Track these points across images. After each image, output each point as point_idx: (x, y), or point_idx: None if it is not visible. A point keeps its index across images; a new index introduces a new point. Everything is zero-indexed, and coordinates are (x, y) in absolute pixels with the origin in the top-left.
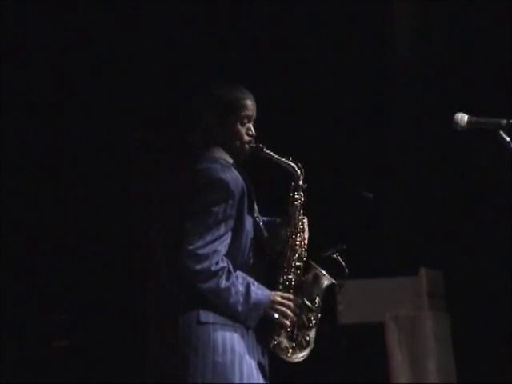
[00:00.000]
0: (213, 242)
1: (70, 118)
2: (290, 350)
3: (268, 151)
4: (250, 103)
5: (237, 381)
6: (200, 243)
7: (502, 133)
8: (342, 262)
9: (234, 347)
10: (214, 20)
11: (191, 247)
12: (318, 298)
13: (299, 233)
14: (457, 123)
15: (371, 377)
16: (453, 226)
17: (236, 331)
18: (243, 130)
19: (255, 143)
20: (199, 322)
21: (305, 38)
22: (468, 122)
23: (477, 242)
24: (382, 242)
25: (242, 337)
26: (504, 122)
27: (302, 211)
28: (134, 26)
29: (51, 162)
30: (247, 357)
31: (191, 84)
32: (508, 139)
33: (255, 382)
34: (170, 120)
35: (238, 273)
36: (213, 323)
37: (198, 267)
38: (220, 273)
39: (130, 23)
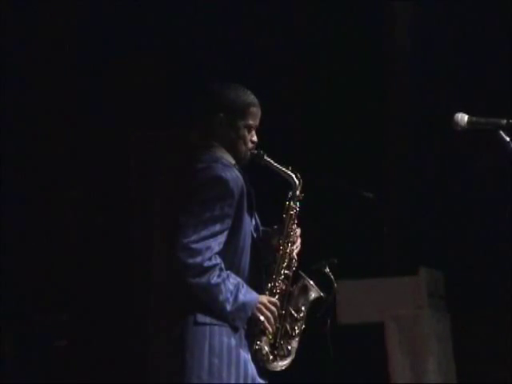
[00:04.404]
0: (207, 237)
1: (69, 118)
2: (271, 357)
3: (268, 159)
4: (259, 113)
5: (233, 381)
6: (194, 237)
7: (501, 133)
8: (332, 277)
9: (231, 348)
10: (214, 20)
11: (185, 240)
12: (303, 309)
13: (291, 242)
14: (457, 123)
15: (371, 377)
16: (453, 226)
17: (233, 332)
18: (249, 137)
19: (256, 150)
20: (196, 323)
21: (304, 37)
22: (468, 122)
23: (477, 242)
24: (381, 242)
25: (240, 337)
26: (504, 122)
27: (295, 221)
28: (135, 26)
29: (51, 162)
30: (244, 357)
31: (191, 84)
32: (508, 139)
33: (252, 382)
34: (170, 120)
35: (229, 272)
36: (210, 324)
37: (191, 261)
38: (211, 269)
39: (130, 23)
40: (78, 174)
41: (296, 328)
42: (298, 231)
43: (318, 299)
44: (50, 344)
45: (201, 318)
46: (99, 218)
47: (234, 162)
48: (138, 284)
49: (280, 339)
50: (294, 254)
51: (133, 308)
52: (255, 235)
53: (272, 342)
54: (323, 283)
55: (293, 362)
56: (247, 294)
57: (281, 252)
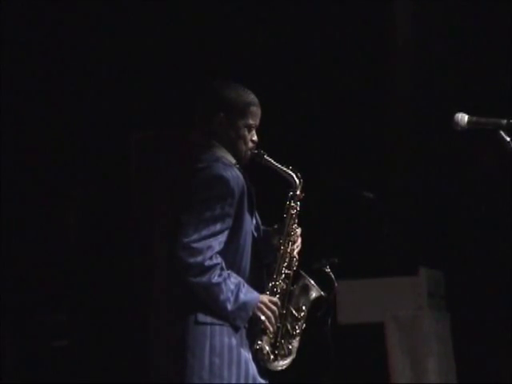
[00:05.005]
0: (208, 237)
1: (70, 118)
2: (272, 357)
3: (268, 158)
4: (259, 112)
5: (234, 381)
6: (195, 236)
7: (501, 133)
8: (332, 276)
9: (232, 347)
10: (213, 20)
11: (186, 239)
12: (304, 308)
13: (291, 242)
14: (457, 123)
15: (371, 377)
16: (453, 226)
17: (234, 332)
18: (249, 136)
19: (257, 150)
20: (197, 322)
21: (304, 37)
22: (468, 121)
23: (477, 242)
24: (382, 242)
25: (241, 337)
26: (504, 122)
27: (296, 221)
28: (135, 26)
29: (51, 162)
30: (245, 357)
31: (191, 84)
32: (508, 139)
33: (253, 382)
34: (170, 120)
35: (230, 272)
36: (211, 323)
37: (192, 260)
38: (212, 269)
39: (130, 23)
40: (79, 174)
41: (297, 327)
42: (299, 231)
43: (318, 298)
44: (50, 344)
45: (202, 317)
46: (99, 217)
47: (234, 161)
48: (138, 284)
49: (281, 339)
50: (295, 253)
51: (133, 308)
52: (256, 235)
53: (273, 341)
54: (324, 282)
55: (293, 361)
56: (248, 294)
57: (281, 251)
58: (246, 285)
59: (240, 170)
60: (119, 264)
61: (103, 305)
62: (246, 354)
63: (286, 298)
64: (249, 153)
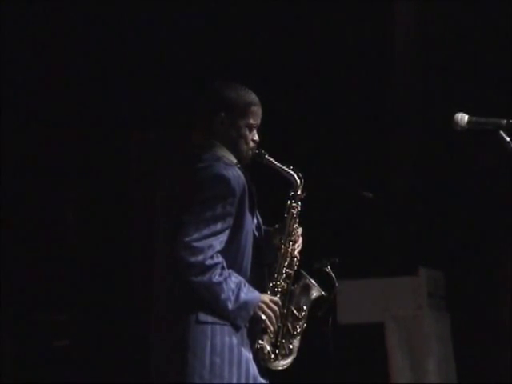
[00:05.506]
0: (209, 236)
1: (70, 118)
2: (272, 356)
3: (270, 158)
4: (260, 112)
5: (235, 381)
6: (196, 236)
7: (501, 133)
8: (333, 276)
9: (233, 347)
10: (214, 20)
11: (187, 239)
12: (305, 308)
13: (292, 241)
14: (457, 123)
15: (371, 377)
16: (453, 226)
17: (235, 331)
18: (250, 136)
19: (258, 149)
20: (198, 322)
21: (305, 37)
22: (468, 121)
23: (477, 243)
24: (382, 242)
25: (241, 337)
26: (504, 122)
27: (297, 220)
28: (135, 26)
29: (51, 162)
30: (246, 356)
31: (191, 84)
32: (508, 139)
33: (253, 382)
34: (170, 120)
35: (231, 271)
36: (212, 323)
37: (192, 260)
38: (213, 268)
39: (130, 23)
40: (79, 174)
41: (297, 327)
42: (300, 230)
43: (319, 298)
44: (50, 344)
45: (202, 316)
46: (99, 218)
47: (235, 161)
48: (138, 283)
49: (281, 338)
50: (296, 253)
51: (133, 307)
52: (257, 234)
53: (273, 340)
54: (324, 282)
55: (294, 361)
56: (249, 293)
57: (282, 251)
58: (246, 284)
59: (241, 170)
60: (119, 264)
61: (103, 305)
62: (247, 354)
63: (287, 297)
64: (250, 152)
